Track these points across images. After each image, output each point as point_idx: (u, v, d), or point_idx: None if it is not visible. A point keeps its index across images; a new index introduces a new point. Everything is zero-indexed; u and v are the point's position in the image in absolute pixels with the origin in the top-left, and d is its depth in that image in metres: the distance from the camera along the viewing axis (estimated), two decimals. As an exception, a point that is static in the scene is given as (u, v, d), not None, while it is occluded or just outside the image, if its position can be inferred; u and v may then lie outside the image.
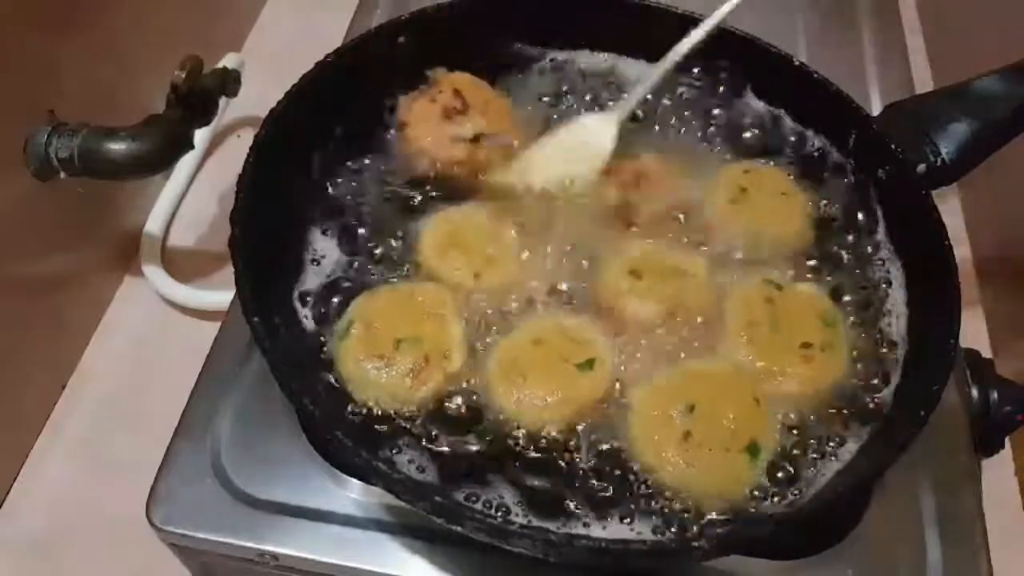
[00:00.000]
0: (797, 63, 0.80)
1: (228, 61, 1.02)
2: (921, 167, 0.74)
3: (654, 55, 0.84)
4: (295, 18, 1.29)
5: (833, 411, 0.67)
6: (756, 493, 0.62)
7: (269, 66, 1.03)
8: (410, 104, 0.80)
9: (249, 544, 0.66)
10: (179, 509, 0.67)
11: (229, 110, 1.05)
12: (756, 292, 0.71)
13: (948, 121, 0.74)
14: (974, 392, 0.75)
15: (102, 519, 0.84)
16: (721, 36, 0.82)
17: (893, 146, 0.74)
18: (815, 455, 0.65)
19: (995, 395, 0.74)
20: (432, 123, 0.79)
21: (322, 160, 0.78)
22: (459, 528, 0.57)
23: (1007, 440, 0.75)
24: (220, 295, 0.94)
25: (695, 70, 0.86)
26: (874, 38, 1.09)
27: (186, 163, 1.07)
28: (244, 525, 0.66)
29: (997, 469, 0.83)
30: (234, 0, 1.25)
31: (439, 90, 0.80)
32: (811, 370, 0.67)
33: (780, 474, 0.63)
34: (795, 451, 0.65)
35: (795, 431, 0.66)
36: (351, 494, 0.67)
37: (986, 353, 0.80)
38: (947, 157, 0.73)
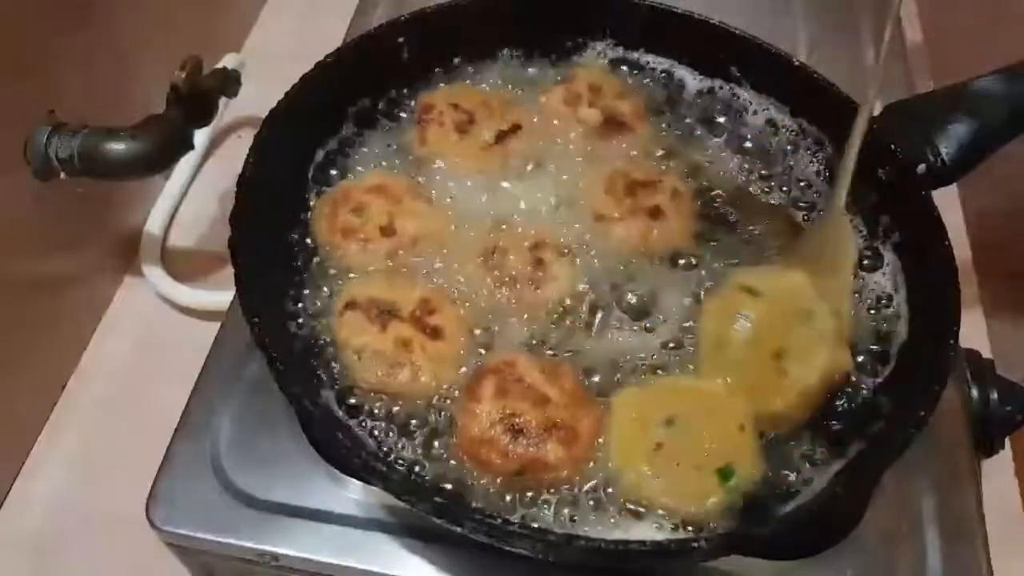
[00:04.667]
0: (797, 63, 0.80)
1: (228, 61, 1.02)
2: (921, 167, 0.73)
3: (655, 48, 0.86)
4: (295, 18, 1.29)
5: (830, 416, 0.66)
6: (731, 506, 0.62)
7: (269, 66, 1.03)
8: (426, 138, 0.79)
9: (249, 544, 0.66)
10: (179, 509, 0.67)
11: (229, 110, 1.05)
12: (728, 305, 0.69)
13: (948, 121, 0.74)
14: (974, 392, 0.75)
15: (102, 519, 0.84)
16: (720, 36, 0.83)
17: (892, 146, 0.74)
18: (809, 459, 0.65)
19: (995, 395, 0.74)
20: (457, 145, 0.79)
21: (323, 159, 0.78)
22: (459, 528, 0.57)
23: (1007, 440, 0.75)
24: (220, 295, 0.94)
25: (692, 70, 0.86)
26: (874, 38, 1.09)
27: (186, 163, 1.07)
28: (244, 525, 0.66)
29: (997, 469, 0.84)
30: (234, 0, 1.25)
31: (439, 111, 0.80)
32: (788, 384, 0.65)
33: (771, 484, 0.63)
34: (785, 461, 0.65)
35: (789, 440, 0.66)
36: (351, 494, 0.67)
37: (986, 353, 0.80)
38: (947, 157, 0.73)
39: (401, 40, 0.81)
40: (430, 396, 0.66)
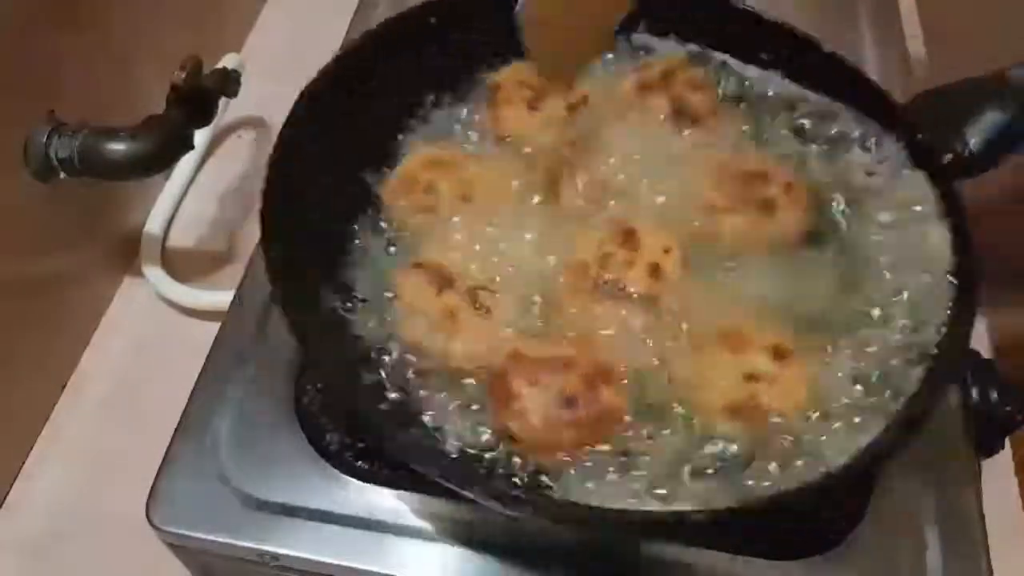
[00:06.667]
0: (827, 50, 0.79)
1: (228, 61, 1.02)
2: (947, 156, 0.72)
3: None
4: (295, 19, 1.29)
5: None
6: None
7: (269, 66, 1.03)
8: (497, 117, 0.80)
9: (249, 544, 0.66)
10: (179, 509, 0.67)
11: (229, 110, 1.05)
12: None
13: (980, 111, 0.72)
14: (974, 392, 0.74)
15: (102, 519, 0.84)
16: (752, 21, 0.81)
17: (919, 135, 0.72)
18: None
19: (995, 395, 0.74)
20: (530, 121, 0.80)
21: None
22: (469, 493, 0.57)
23: (1007, 440, 0.75)
24: (220, 295, 0.94)
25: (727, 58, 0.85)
26: (874, 38, 1.09)
27: (186, 163, 1.07)
28: (244, 525, 0.66)
29: (997, 469, 0.83)
30: (234, 1, 1.24)
31: (508, 90, 0.81)
32: None
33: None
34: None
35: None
36: (351, 494, 0.67)
37: (986, 353, 0.80)
38: (974, 148, 0.71)
39: (433, 21, 0.80)
40: (460, 366, 0.67)
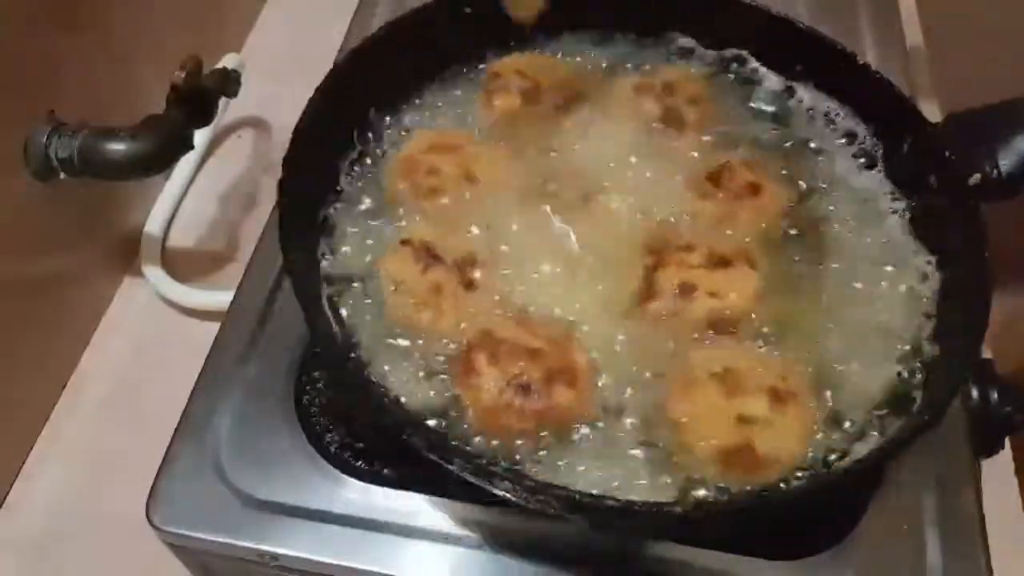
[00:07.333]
0: (862, 62, 0.78)
1: (228, 61, 1.02)
2: (975, 178, 0.71)
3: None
4: (295, 19, 1.29)
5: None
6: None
7: (269, 66, 1.03)
8: (491, 104, 0.81)
9: (249, 544, 0.66)
10: (179, 509, 0.67)
11: (229, 110, 1.05)
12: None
13: (1014, 134, 0.71)
14: (974, 392, 0.74)
15: (102, 519, 0.84)
16: (785, 30, 0.81)
17: (947, 153, 0.71)
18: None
19: (995, 395, 0.74)
20: (522, 111, 0.80)
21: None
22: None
23: (1007, 440, 0.75)
24: (220, 295, 0.94)
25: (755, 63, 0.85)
26: (874, 38, 1.08)
27: (186, 163, 1.07)
28: (244, 525, 0.66)
29: (997, 469, 0.83)
30: (234, 1, 1.25)
31: (507, 80, 0.82)
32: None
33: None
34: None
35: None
36: (351, 494, 0.67)
37: (986, 353, 0.80)
38: (1004, 171, 0.70)
39: (468, 11, 0.81)
40: (447, 341, 0.67)
